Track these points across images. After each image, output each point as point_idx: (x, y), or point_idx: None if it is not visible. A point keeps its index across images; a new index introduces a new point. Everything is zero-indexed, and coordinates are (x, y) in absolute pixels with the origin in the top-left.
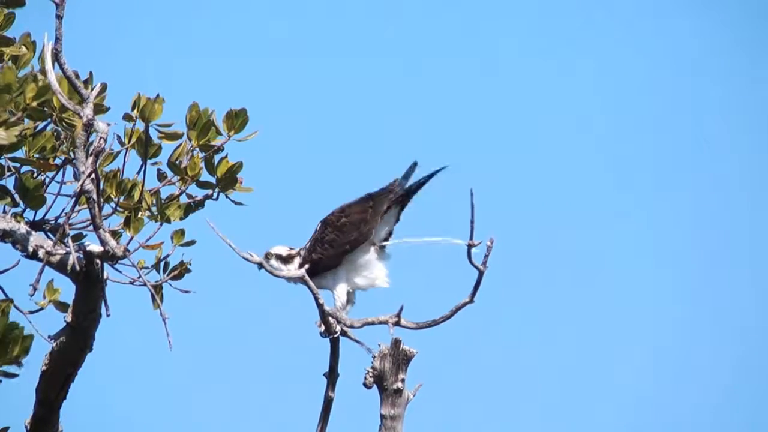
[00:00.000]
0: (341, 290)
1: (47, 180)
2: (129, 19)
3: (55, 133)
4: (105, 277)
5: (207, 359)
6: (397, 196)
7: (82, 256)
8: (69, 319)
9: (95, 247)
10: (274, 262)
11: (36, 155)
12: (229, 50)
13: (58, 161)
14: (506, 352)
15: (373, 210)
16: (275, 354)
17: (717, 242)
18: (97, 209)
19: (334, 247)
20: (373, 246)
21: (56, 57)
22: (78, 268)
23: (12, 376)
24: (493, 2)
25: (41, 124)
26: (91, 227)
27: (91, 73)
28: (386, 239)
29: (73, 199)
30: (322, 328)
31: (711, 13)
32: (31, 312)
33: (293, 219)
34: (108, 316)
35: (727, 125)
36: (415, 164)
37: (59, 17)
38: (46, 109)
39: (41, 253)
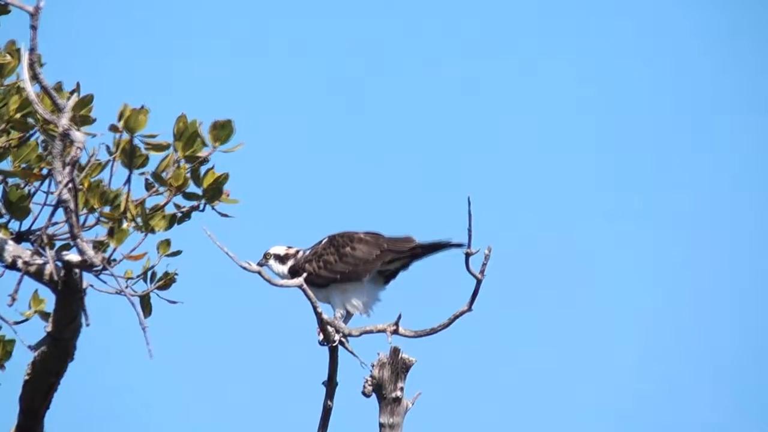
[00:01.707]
0: (338, 303)
1: (33, 190)
2: (119, 28)
3: (42, 144)
4: (84, 286)
5: (204, 368)
6: (405, 257)
7: (60, 265)
8: (50, 329)
9: (74, 257)
10: (272, 262)
11: (22, 165)
12: (221, 56)
13: (44, 171)
14: (504, 360)
15: (378, 257)
16: (274, 363)
17: (717, 243)
18: (74, 219)
19: (327, 269)
20: (366, 280)
21: (32, 67)
22: (56, 277)
23: None
24: (492, 2)
25: (27, 134)
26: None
27: (78, 84)
28: (390, 278)
29: (53, 209)
30: (321, 336)
31: (711, 12)
32: (17, 323)
33: (280, 230)
34: (87, 325)
35: (727, 125)
36: (448, 244)
37: (34, 27)
38: (30, 120)
39: (19, 263)
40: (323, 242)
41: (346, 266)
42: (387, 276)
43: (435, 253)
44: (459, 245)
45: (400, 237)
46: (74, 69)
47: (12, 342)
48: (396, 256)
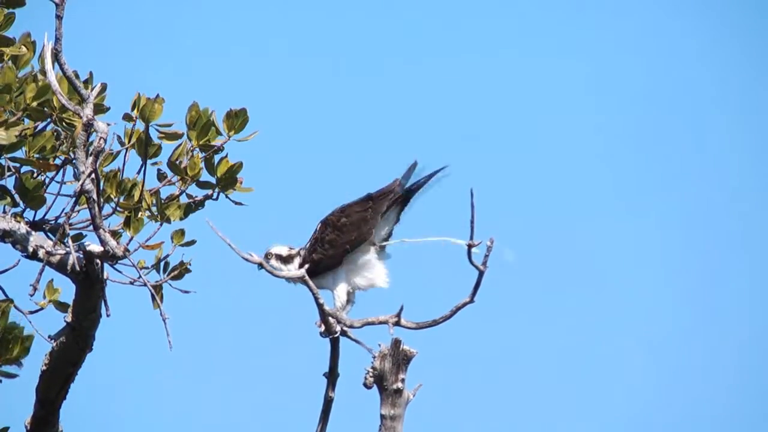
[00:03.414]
0: (341, 290)
1: (47, 180)
2: (129, 19)
3: (55, 133)
4: (105, 277)
5: (207, 359)
6: (397, 197)
7: (82, 256)
8: (69, 319)
9: (95, 247)
10: (274, 262)
11: (36, 155)
12: (229, 50)
13: (58, 161)
14: (506, 352)
15: (373, 210)
16: (275, 354)
17: (717, 243)
18: (97, 209)
19: (334, 247)
20: (372, 246)
21: (56, 57)
22: (78, 268)
23: (12, 376)
24: (493, 2)
25: (41, 124)
26: (91, 227)
27: (91, 73)
28: (386, 239)
29: (73, 199)
30: (322, 328)
31: (711, 11)
32: (31, 312)
33: (293, 219)
34: (108, 316)
35: (728, 125)
36: (414, 164)
37: (59, 17)
38: (46, 109)
39: (41, 253)
40: (318, 228)
41: (350, 234)
42: (385, 239)
43: (425, 184)
44: (443, 169)
45: (385, 186)
46: (74, 61)
47: (30, 338)
48: (389, 202)
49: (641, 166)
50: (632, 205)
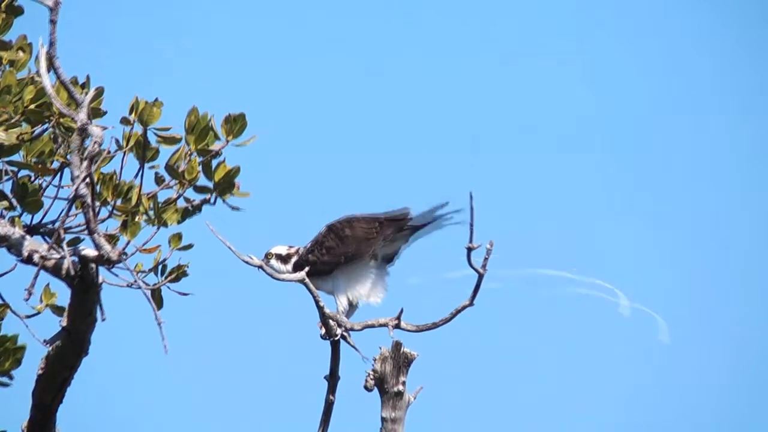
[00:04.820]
0: (342, 295)
1: (45, 184)
2: (127, 19)
3: (52, 137)
4: (100, 281)
5: (206, 362)
6: (407, 227)
7: (77, 260)
8: (65, 324)
9: (90, 252)
10: (274, 262)
11: (34, 159)
12: (229, 52)
13: (55, 164)
14: (506, 354)
15: (378, 232)
16: (275, 357)
17: (716, 243)
18: (91, 214)
19: (330, 254)
20: (373, 262)
21: (51, 62)
22: (73, 272)
23: (3, 385)
24: (493, 1)
25: (39, 128)
26: (87, 231)
27: (88, 77)
28: (392, 258)
29: (68, 203)
30: (323, 330)
31: (712, 12)
32: (28, 316)
33: (290, 223)
34: (103, 320)
35: (727, 125)
36: (444, 204)
37: (53, 22)
38: (45, 112)
39: (36, 257)
40: (322, 231)
41: (349, 247)
42: (390, 258)
43: (434, 222)
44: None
45: (396, 210)
46: (72, 64)
47: (23, 349)
48: (396, 228)
49: (642, 167)
50: (633, 206)
